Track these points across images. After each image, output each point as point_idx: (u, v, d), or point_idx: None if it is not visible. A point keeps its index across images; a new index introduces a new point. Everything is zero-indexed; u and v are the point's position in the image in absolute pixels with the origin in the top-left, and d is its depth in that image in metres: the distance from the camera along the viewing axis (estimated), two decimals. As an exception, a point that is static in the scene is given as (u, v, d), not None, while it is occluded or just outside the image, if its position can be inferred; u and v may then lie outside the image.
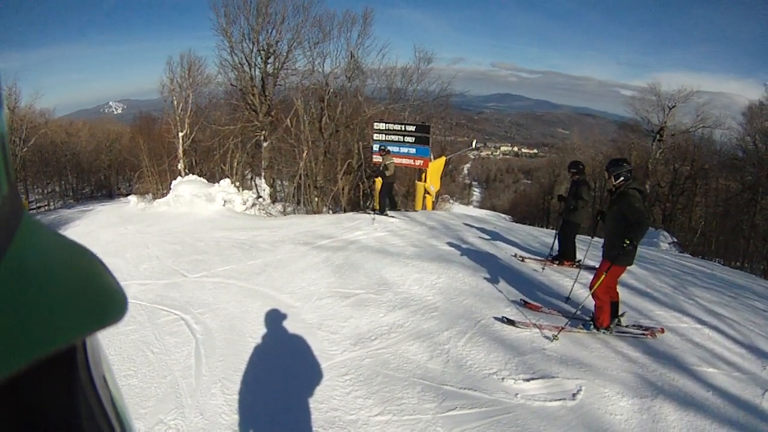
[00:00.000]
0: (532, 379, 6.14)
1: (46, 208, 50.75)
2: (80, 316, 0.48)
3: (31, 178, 55.82)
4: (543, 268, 10.30)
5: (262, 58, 31.31)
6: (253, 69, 31.51)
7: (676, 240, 25.68)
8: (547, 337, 7.18)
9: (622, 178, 7.10)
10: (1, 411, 0.44)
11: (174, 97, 33.40)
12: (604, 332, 7.37)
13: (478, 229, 14.18)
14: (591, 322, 7.51)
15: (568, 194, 10.91)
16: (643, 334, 7.43)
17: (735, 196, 33.79)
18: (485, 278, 9.49)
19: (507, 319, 7.66)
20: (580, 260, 10.12)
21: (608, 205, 7.45)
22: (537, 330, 7.39)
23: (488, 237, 13.12)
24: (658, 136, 37.36)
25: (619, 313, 7.50)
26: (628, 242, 6.71)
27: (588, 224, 11.92)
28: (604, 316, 7.34)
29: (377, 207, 18.22)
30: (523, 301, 8.44)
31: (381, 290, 9.14)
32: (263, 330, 7.83)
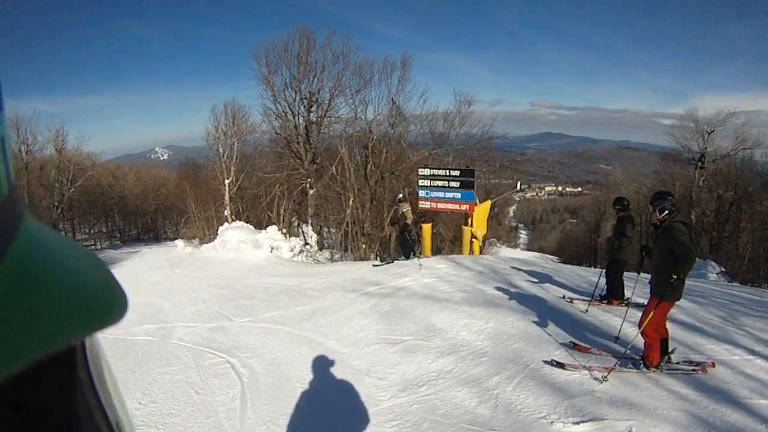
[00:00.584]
0: (582, 422, 6.02)
1: (93, 247, 51.85)
2: (80, 317, 0.48)
3: (78, 218, 57.38)
4: (586, 310, 10.16)
5: (305, 107, 31.83)
6: (296, 117, 32.03)
7: (724, 269, 25.04)
8: (596, 379, 7.04)
9: (666, 212, 7.04)
10: (1, 411, 0.44)
11: (219, 145, 33.80)
12: (654, 371, 7.22)
13: (525, 271, 14.06)
14: (641, 361, 7.37)
15: (613, 232, 10.88)
16: (694, 370, 7.27)
17: None
18: (534, 321, 9.38)
19: (556, 362, 7.54)
20: (629, 298, 9.97)
21: (654, 240, 7.38)
22: (586, 372, 7.27)
23: (536, 279, 12.97)
24: (699, 163, 36.87)
25: (669, 350, 7.37)
26: (675, 277, 6.65)
27: (634, 260, 11.78)
28: (653, 354, 7.20)
29: (427, 253, 18.63)
30: (572, 343, 8.33)
31: (429, 336, 9.07)
32: (310, 375, 7.80)
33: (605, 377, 6.98)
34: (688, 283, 9.63)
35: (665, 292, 6.83)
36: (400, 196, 18.09)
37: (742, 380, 7.07)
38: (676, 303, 7.31)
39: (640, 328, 7.23)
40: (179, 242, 29.36)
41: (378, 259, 16.87)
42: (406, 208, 16.98)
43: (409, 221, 16.86)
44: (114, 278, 0.59)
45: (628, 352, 7.54)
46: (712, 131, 36.77)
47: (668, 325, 7.36)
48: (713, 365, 7.41)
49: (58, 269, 0.51)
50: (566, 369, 7.38)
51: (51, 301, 0.45)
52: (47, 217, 45.37)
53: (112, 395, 0.63)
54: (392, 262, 16.79)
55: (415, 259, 16.52)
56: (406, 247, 17.27)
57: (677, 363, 7.42)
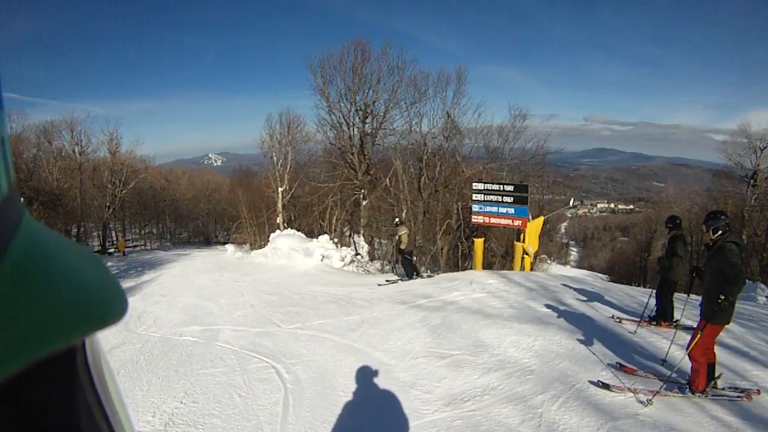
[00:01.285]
0: (624, 445, 5.85)
1: (143, 247, 53.35)
2: (80, 317, 0.48)
3: (129, 218, 58.94)
4: (635, 331, 9.94)
5: (360, 118, 32.14)
6: (351, 128, 32.38)
7: (775, 292, 24.60)
8: (641, 402, 6.89)
9: (720, 232, 6.90)
10: (1, 411, 0.44)
11: (273, 153, 34.38)
12: (699, 396, 7.04)
13: (575, 290, 13.92)
14: (687, 386, 7.21)
15: (664, 251, 10.75)
16: (739, 397, 7.06)
17: None
18: (581, 341, 9.26)
19: (602, 383, 7.41)
20: (678, 320, 9.79)
21: (706, 261, 7.22)
22: (631, 394, 7.12)
23: (585, 298, 12.82)
24: (751, 180, 36.35)
25: (716, 375, 7.18)
26: (723, 297, 6.49)
27: (685, 281, 11.57)
28: (700, 378, 7.03)
29: (478, 268, 18.96)
30: (619, 364, 8.17)
31: (477, 352, 9.00)
32: (355, 385, 7.79)
33: (650, 400, 6.85)
34: (738, 305, 9.42)
35: (713, 313, 6.69)
36: (397, 220, 18.83)
37: (790, 410, 6.87)
38: (726, 327, 7.16)
39: (687, 351, 7.10)
40: (230, 247, 29.80)
41: (394, 272, 17.15)
42: (402, 231, 17.49)
43: (403, 245, 17.33)
44: (114, 278, 0.60)
45: (674, 375, 7.43)
46: (765, 147, 36.31)
47: (715, 349, 7.20)
48: (759, 392, 7.20)
49: (58, 269, 0.51)
50: (611, 390, 7.26)
51: (51, 301, 0.46)
52: (98, 216, 47.10)
53: (112, 395, 0.64)
54: (412, 277, 17.28)
55: (415, 279, 17.21)
56: (408, 267, 17.66)
57: (723, 389, 7.24)
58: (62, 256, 0.54)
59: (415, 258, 18.55)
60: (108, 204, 46.46)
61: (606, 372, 7.92)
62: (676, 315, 10.30)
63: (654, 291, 10.82)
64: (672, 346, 8.54)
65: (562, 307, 11.54)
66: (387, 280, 17.12)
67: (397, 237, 17.68)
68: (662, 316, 10.43)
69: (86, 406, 0.55)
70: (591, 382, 7.52)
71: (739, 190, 38.36)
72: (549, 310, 11.28)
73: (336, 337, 10.41)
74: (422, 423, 6.57)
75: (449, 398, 7.27)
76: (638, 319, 10.49)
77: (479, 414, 6.76)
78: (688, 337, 7.62)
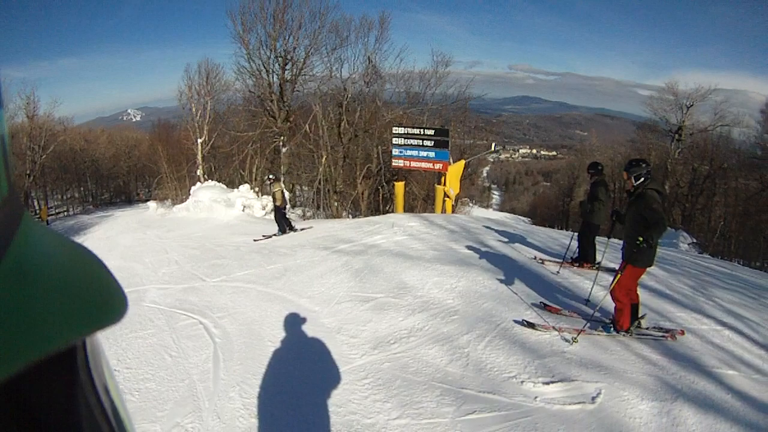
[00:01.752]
0: (552, 382, 6.09)
1: (66, 213, 51.62)
2: (80, 316, 0.48)
3: (51, 184, 56.93)
4: (558, 272, 10.24)
5: (279, 65, 31.69)
6: (270, 75, 31.93)
7: (695, 240, 25.62)
8: (566, 340, 7.13)
9: (642, 179, 7.07)
10: (1, 411, 0.44)
11: (192, 105, 33.65)
12: (623, 335, 7.31)
13: (497, 232, 14.16)
14: (611, 325, 7.46)
15: (586, 196, 10.93)
16: (663, 337, 7.36)
17: (754, 195, 33.77)
18: (504, 281, 9.45)
19: (527, 322, 7.62)
20: (599, 262, 10.08)
21: (626, 206, 7.45)
22: (556, 333, 7.35)
23: (508, 240, 13.06)
24: (676, 135, 37.63)
25: (640, 315, 7.44)
26: (641, 240, 6.70)
27: (606, 225, 11.87)
28: (624, 318, 7.28)
29: (399, 211, 18.79)
30: (543, 303, 8.41)
31: (401, 294, 9.11)
32: (282, 334, 7.84)
33: (575, 338, 7.09)
34: (660, 251, 9.74)
35: (635, 256, 6.91)
36: (272, 177, 18.69)
37: (710, 350, 7.21)
38: (649, 270, 7.40)
39: (609, 290, 7.34)
40: (151, 204, 29.33)
41: (281, 233, 17.19)
42: (276, 188, 17.61)
43: (278, 202, 17.42)
44: (114, 278, 0.59)
45: (597, 314, 7.66)
46: (692, 105, 37.53)
47: (640, 291, 7.44)
48: (682, 333, 7.54)
49: (58, 269, 0.51)
50: (537, 329, 7.46)
51: (51, 301, 0.46)
52: (20, 186, 44.71)
53: (112, 395, 0.64)
54: (271, 237, 17.23)
55: (288, 233, 17.37)
56: (281, 222, 17.76)
57: (647, 328, 7.53)
58: (62, 256, 0.55)
59: (288, 211, 18.60)
60: (28, 172, 44.51)
61: (530, 311, 8.17)
62: (598, 257, 10.58)
63: (576, 234, 11.14)
64: (594, 286, 8.86)
65: (484, 249, 11.78)
66: (263, 236, 17.05)
67: (272, 193, 17.79)
68: (584, 258, 10.78)
69: (86, 406, 0.56)
70: (516, 322, 7.74)
71: (663, 143, 39.80)
72: (471, 252, 11.49)
73: (260, 287, 10.44)
74: (351, 368, 6.69)
75: (375, 341, 7.40)
76: (560, 261, 10.79)
77: (407, 356, 6.90)
78: (610, 279, 7.86)
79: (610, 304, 7.46)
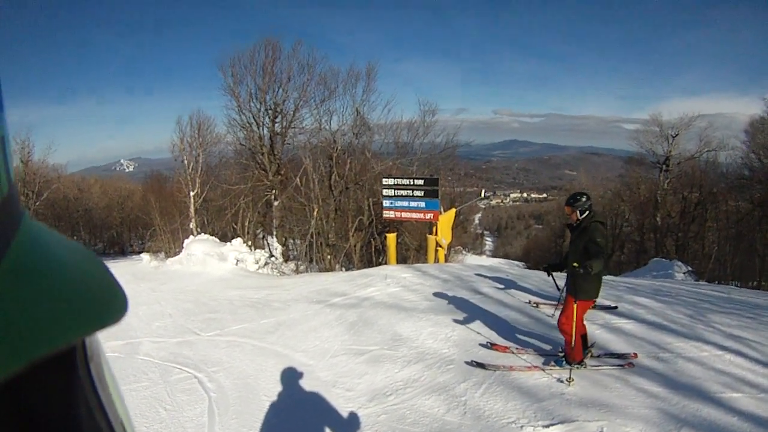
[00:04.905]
0: (552, 425, 6.07)
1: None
2: (80, 316, 0.49)
3: (44, 232, 56.22)
4: (553, 314, 10.10)
5: (269, 118, 31.71)
6: (261, 128, 31.95)
7: (690, 269, 25.51)
8: (561, 382, 7.14)
9: (587, 212, 7.28)
10: (1, 411, 0.44)
11: (184, 157, 33.51)
12: (578, 367, 7.38)
13: (491, 278, 14.11)
14: (563, 358, 7.56)
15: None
16: (621, 365, 7.49)
17: (746, 215, 33.80)
18: (500, 328, 9.47)
19: (476, 362, 7.81)
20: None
21: (571, 241, 7.64)
22: (546, 375, 7.38)
23: (502, 286, 13.04)
24: (664, 166, 37.96)
25: (589, 344, 7.64)
26: (577, 265, 6.84)
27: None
28: (575, 351, 7.37)
29: (392, 263, 18.89)
30: (490, 343, 8.55)
31: (395, 346, 9.11)
32: (278, 388, 7.79)
33: (570, 379, 7.08)
34: (656, 283, 9.74)
35: (582, 289, 7.12)
36: None
37: (712, 375, 7.23)
38: (644, 303, 7.46)
39: (558, 324, 7.51)
40: (145, 256, 29.10)
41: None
42: None
43: None
44: (114, 278, 0.60)
45: (551, 349, 8.00)
46: (677, 135, 37.85)
47: (637, 325, 7.58)
48: (635, 356, 7.73)
49: (58, 269, 0.52)
50: (487, 369, 7.61)
51: (51, 301, 0.46)
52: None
53: (112, 395, 0.65)
54: None
55: None
56: None
57: (599, 356, 7.74)
58: (62, 256, 0.56)
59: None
60: (22, 218, 43.90)
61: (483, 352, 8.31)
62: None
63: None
64: (591, 325, 8.80)
65: (478, 296, 11.77)
66: None
67: None
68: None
69: (86, 407, 0.56)
70: (466, 363, 7.90)
71: (651, 176, 39.97)
72: (465, 300, 11.45)
73: (255, 341, 10.36)
74: (347, 421, 6.63)
75: (371, 394, 7.36)
76: (555, 303, 10.76)
77: (403, 407, 6.87)
78: (607, 317, 7.91)
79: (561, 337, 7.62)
